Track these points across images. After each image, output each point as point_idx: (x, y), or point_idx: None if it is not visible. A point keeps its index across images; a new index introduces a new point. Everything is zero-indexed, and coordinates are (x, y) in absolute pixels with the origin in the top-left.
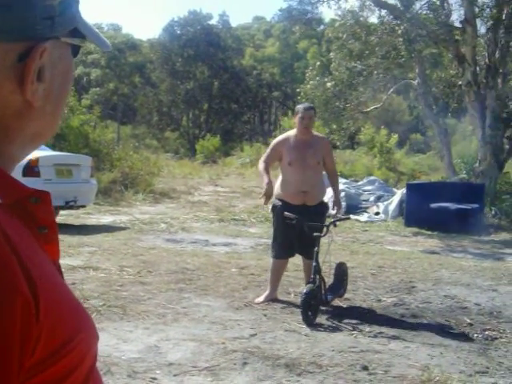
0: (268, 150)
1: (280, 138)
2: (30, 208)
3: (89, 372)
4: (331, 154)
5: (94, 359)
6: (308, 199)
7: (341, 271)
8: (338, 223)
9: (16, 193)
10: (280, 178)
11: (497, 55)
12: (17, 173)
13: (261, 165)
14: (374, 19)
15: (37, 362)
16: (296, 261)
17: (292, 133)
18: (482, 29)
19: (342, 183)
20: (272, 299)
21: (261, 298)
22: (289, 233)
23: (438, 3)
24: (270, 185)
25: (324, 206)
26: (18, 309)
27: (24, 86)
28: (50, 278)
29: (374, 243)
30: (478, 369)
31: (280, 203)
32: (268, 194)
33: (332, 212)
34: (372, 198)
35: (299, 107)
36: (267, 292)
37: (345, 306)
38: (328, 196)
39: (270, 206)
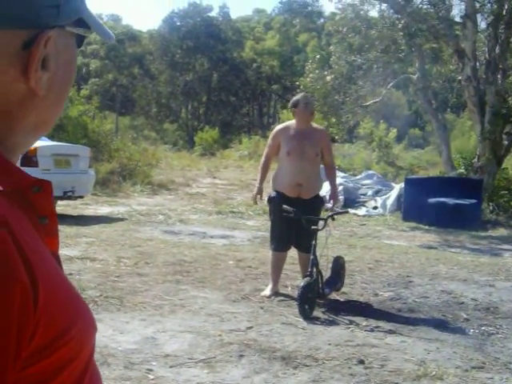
0: (269, 141)
1: (280, 126)
2: (30, 197)
3: (87, 363)
4: (330, 147)
5: (92, 350)
6: (303, 192)
7: (338, 265)
8: (335, 217)
9: (17, 181)
10: (278, 168)
11: (497, 51)
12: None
13: (261, 161)
14: (374, 13)
15: (35, 350)
16: (293, 253)
17: (292, 123)
18: (482, 24)
19: (341, 177)
20: (275, 292)
21: (267, 292)
22: (286, 225)
23: None
24: (260, 191)
25: (319, 199)
26: (16, 296)
27: (28, 74)
28: (48, 268)
29: (372, 237)
30: (474, 364)
31: (276, 195)
32: (255, 199)
33: (328, 205)
34: (370, 192)
35: (299, 98)
36: (270, 285)
37: (342, 299)
38: (325, 190)
39: (266, 198)
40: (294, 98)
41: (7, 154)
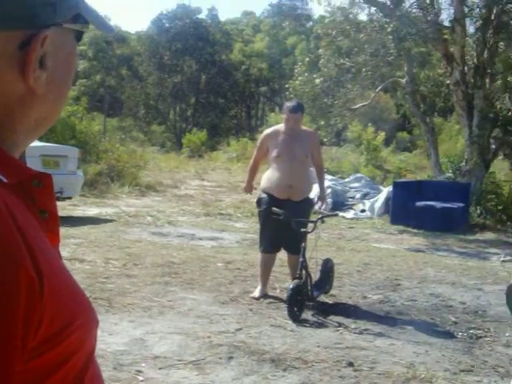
0: (258, 144)
1: (269, 130)
2: (31, 191)
3: (89, 357)
4: (319, 149)
5: (93, 345)
6: (293, 194)
7: (327, 267)
8: (325, 219)
9: (19, 173)
10: (268, 170)
11: (485, 55)
12: None
13: (249, 164)
14: (363, 17)
15: (40, 342)
16: (282, 256)
17: (281, 126)
18: (470, 28)
19: (329, 180)
20: (264, 294)
21: (256, 293)
22: (275, 227)
23: (427, 2)
24: (250, 184)
25: (308, 201)
26: (22, 283)
27: (26, 74)
28: (52, 261)
29: (360, 240)
30: (462, 367)
31: (265, 196)
32: (249, 190)
33: (316, 207)
34: (358, 195)
35: (287, 106)
36: (259, 287)
37: (331, 302)
38: (314, 192)
39: (255, 200)
40: (285, 104)
41: (8, 151)
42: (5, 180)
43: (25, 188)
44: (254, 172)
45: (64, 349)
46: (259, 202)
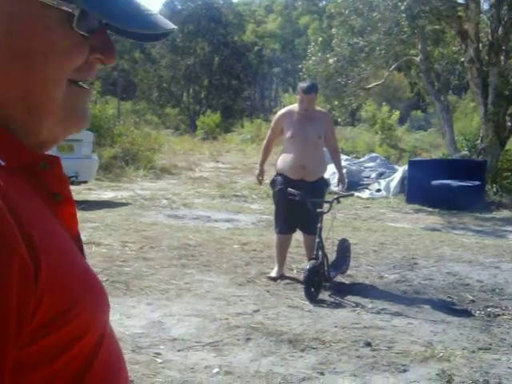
0: (272, 124)
1: (283, 110)
2: (40, 174)
3: (99, 339)
4: (333, 129)
5: (103, 327)
6: (306, 174)
7: (343, 248)
8: (341, 199)
9: (21, 156)
10: (281, 151)
11: (500, 32)
12: None
13: (263, 144)
14: None
15: (41, 324)
16: (298, 236)
17: (294, 106)
18: (485, 5)
19: (344, 160)
20: (281, 275)
21: (273, 274)
22: (291, 208)
23: None
24: (262, 172)
25: (323, 181)
26: (14, 269)
27: None
28: (55, 244)
29: (376, 220)
30: (480, 345)
31: (279, 178)
32: (260, 180)
33: (335, 189)
34: (373, 175)
35: (300, 87)
36: (276, 268)
37: (347, 282)
38: (329, 172)
39: (269, 181)
40: (299, 85)
41: (20, 133)
42: (2, 163)
43: (32, 171)
44: (266, 153)
45: (72, 328)
46: (273, 183)
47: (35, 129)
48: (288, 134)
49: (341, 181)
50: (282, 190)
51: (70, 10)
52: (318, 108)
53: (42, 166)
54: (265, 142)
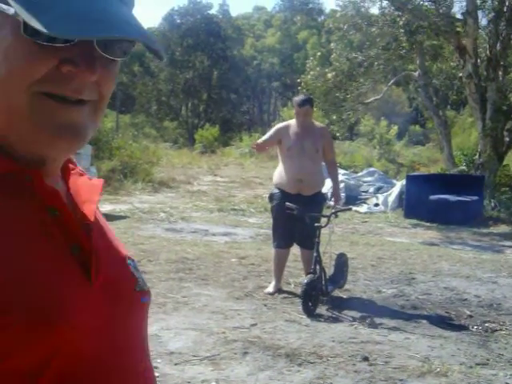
0: (271, 133)
1: (282, 124)
2: (30, 187)
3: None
4: (331, 144)
5: (71, 358)
6: (303, 188)
7: (341, 262)
8: (338, 214)
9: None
10: (279, 166)
11: (498, 47)
12: None
13: (258, 141)
14: (375, 10)
15: None
16: (295, 251)
17: (293, 121)
18: (483, 21)
19: (342, 174)
20: (278, 289)
21: (270, 289)
22: (288, 222)
23: None
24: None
25: (321, 196)
26: None
27: None
28: (8, 253)
29: (374, 234)
30: (478, 360)
31: (277, 192)
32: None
33: (331, 203)
34: (371, 190)
35: (295, 101)
36: (273, 282)
37: (345, 296)
38: (327, 187)
39: (268, 195)
40: (294, 99)
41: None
42: None
43: (18, 182)
44: (265, 146)
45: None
46: (271, 197)
47: (16, 140)
48: (285, 147)
49: (335, 196)
50: (280, 204)
51: (13, 15)
52: (316, 122)
53: (27, 179)
54: (260, 141)
